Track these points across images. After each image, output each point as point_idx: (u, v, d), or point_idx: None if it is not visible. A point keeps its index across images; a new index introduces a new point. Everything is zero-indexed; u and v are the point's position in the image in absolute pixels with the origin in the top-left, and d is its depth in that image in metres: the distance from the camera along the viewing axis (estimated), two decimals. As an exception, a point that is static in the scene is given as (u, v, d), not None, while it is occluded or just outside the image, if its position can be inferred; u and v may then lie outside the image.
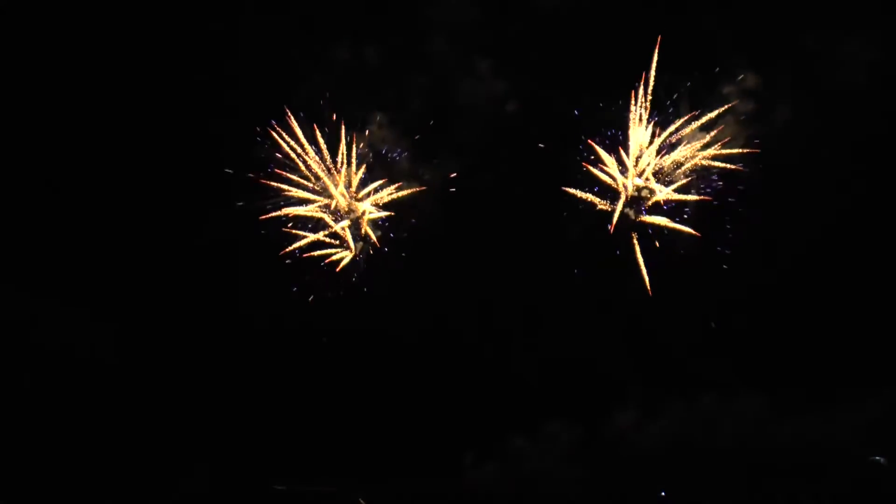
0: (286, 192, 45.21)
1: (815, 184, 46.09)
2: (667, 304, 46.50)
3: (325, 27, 46.77)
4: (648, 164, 47.75)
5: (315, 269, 45.03)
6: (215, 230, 43.96)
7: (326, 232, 45.77)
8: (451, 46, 47.73)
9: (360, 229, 46.85)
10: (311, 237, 45.40)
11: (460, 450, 45.65)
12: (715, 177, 47.71)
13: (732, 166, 46.60)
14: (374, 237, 46.83)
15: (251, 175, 44.38)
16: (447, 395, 46.31)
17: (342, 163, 46.24)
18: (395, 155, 47.35)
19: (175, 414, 42.70)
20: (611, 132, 47.17)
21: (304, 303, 44.78)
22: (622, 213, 48.29)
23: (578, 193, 47.53)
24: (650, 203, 48.03)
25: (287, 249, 44.81)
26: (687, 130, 47.48)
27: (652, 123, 46.78)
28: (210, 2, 45.71)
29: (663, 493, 42.76)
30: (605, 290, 47.35)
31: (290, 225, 44.98)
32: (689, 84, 46.42)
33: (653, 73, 46.06)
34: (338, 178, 45.99)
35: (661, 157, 47.72)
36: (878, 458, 44.34)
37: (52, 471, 40.07)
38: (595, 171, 46.86)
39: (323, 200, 46.40)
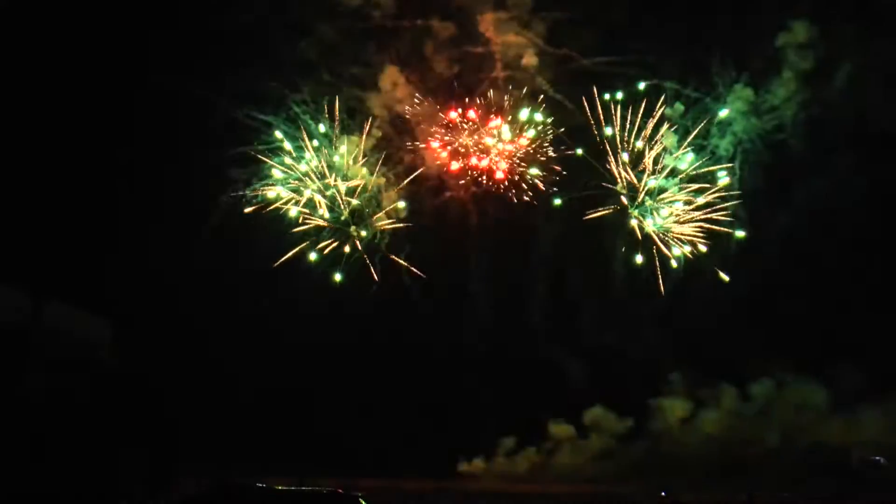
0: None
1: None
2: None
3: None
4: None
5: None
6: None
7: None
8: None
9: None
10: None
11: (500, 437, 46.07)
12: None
13: None
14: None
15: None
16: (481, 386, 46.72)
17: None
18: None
19: (173, 413, 42.63)
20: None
21: (306, 298, 44.80)
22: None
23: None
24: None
25: None
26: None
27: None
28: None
29: (664, 493, 43.09)
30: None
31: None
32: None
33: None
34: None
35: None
36: (878, 458, 44.88)
37: (51, 470, 39.88)
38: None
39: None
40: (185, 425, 42.39)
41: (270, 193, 45.29)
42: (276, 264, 44.87)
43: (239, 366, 44.22)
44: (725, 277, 49.39)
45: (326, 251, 45.84)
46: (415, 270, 46.62)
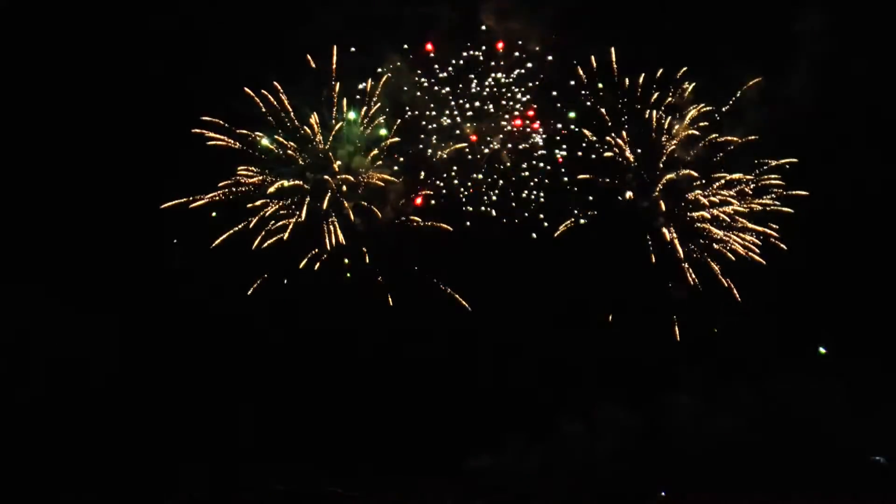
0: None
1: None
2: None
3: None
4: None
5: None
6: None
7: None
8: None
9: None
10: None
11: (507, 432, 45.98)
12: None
13: None
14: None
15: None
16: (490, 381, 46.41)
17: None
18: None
19: (174, 413, 42.74)
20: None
21: (307, 293, 44.51)
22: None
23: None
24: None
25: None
26: None
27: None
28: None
29: (664, 493, 42.59)
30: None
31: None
32: None
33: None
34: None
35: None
36: (877, 457, 43.97)
37: (51, 471, 40.23)
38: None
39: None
40: (186, 425, 42.55)
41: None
42: (280, 262, 44.35)
43: (239, 365, 44.08)
44: (822, 350, 47.34)
45: (317, 265, 45.17)
46: (435, 280, 45.99)
